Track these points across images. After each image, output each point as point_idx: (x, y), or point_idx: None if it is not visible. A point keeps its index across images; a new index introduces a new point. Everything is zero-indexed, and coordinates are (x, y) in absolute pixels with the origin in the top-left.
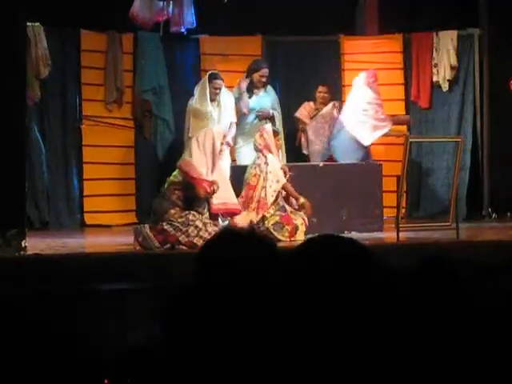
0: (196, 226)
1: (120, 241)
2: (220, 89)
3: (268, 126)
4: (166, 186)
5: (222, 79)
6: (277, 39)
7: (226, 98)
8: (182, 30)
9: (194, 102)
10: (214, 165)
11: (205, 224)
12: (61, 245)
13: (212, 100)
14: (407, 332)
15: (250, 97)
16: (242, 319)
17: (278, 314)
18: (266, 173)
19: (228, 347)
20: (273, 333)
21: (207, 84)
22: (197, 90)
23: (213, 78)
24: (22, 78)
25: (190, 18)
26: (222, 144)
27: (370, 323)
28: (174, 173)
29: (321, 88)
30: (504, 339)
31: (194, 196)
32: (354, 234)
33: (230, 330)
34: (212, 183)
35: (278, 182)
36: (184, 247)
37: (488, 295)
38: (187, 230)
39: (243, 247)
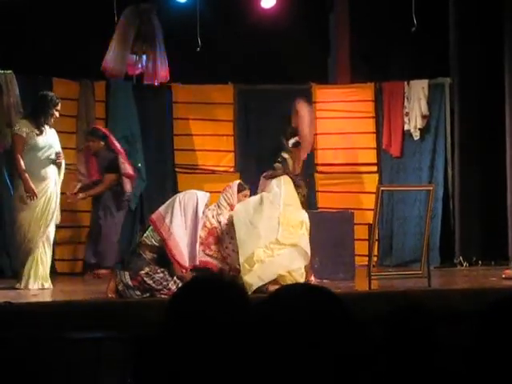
0: (175, 281)
1: (92, 289)
2: None
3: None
4: (138, 244)
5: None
6: (249, 88)
7: None
8: (156, 83)
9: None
10: (195, 225)
11: (181, 279)
12: (32, 293)
13: None
14: (378, 379)
15: (38, 134)
16: (212, 369)
17: (248, 362)
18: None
19: None
20: (244, 381)
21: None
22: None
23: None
24: None
25: (164, 72)
26: (203, 212)
27: (341, 371)
28: (148, 233)
29: None
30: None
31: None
32: (326, 282)
33: (200, 379)
34: (188, 269)
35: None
36: (165, 296)
37: (457, 343)
38: (167, 284)
39: (213, 295)
